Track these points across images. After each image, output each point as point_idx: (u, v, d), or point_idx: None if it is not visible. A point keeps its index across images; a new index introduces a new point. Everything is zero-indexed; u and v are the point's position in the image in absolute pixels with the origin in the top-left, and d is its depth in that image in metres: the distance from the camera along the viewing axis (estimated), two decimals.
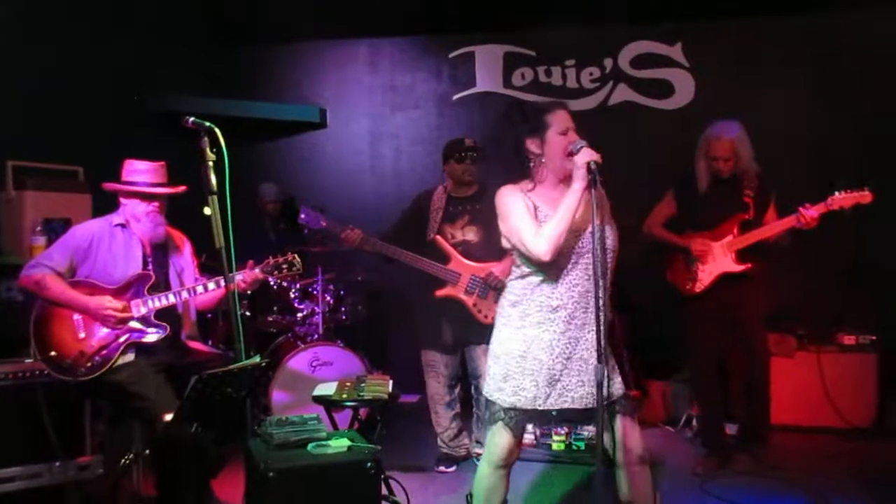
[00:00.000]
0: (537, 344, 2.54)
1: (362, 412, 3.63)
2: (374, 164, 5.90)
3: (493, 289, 3.73)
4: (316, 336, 4.51)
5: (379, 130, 5.90)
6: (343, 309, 4.87)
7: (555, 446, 4.11)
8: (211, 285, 3.32)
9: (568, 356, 2.53)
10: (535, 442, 4.11)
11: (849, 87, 4.99)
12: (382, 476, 2.84)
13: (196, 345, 3.48)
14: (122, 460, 3.33)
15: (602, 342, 2.30)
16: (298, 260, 3.42)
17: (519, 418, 2.58)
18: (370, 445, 2.56)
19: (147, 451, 3.31)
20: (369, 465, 2.46)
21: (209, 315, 4.63)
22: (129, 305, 3.23)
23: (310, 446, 2.51)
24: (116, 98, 4.90)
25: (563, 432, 4.11)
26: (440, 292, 3.85)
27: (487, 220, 3.51)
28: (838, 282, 4.87)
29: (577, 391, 2.53)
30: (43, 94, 4.30)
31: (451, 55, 5.72)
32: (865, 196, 3.62)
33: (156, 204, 3.33)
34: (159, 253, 3.42)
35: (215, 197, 2.56)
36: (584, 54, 5.47)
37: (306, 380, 4.23)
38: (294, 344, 4.46)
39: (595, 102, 5.46)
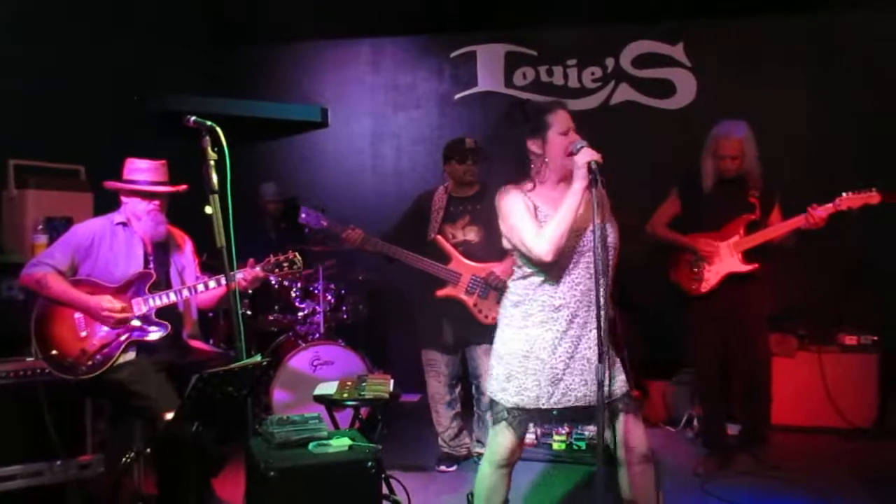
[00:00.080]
0: (540, 343, 2.54)
1: (363, 411, 3.63)
2: (375, 163, 5.90)
3: (494, 289, 3.74)
4: (317, 335, 4.51)
5: (380, 130, 5.90)
6: (344, 308, 4.87)
7: (556, 446, 4.11)
8: (212, 284, 3.32)
9: (571, 355, 2.53)
10: (536, 441, 4.11)
11: (849, 87, 4.99)
12: (383, 475, 2.84)
13: (197, 343, 3.48)
14: (123, 459, 3.32)
15: (603, 341, 2.31)
16: (299, 258, 3.41)
17: (522, 418, 2.59)
18: (371, 445, 2.56)
19: (148, 450, 3.30)
20: (370, 464, 2.46)
21: (210, 314, 4.63)
22: (130, 305, 3.23)
23: (311, 445, 2.51)
24: (117, 98, 4.89)
25: (564, 432, 4.11)
26: (441, 292, 3.85)
27: (488, 220, 3.50)
28: (839, 282, 4.86)
29: (580, 390, 2.53)
30: (44, 93, 4.30)
31: (453, 55, 5.72)
32: (874, 196, 3.61)
33: (157, 202, 3.32)
34: (160, 251, 3.42)
35: (216, 196, 2.57)
36: (586, 54, 5.46)
37: (307, 379, 4.23)
38: (295, 343, 4.46)
39: (597, 102, 5.45)
